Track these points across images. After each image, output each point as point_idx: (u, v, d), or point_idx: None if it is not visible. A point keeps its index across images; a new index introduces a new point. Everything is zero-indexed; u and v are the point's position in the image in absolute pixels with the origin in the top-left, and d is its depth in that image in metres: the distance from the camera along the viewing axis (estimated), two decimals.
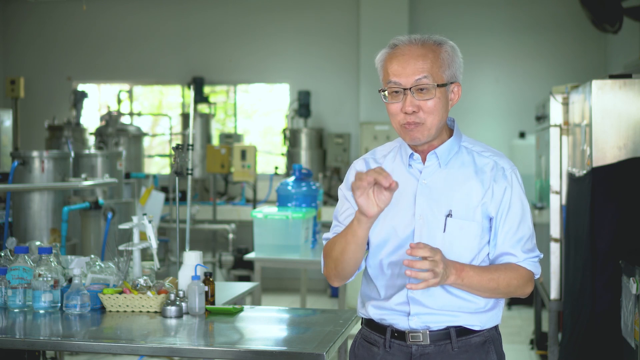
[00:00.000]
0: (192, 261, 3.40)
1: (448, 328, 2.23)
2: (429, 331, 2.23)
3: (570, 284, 4.66)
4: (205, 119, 9.47)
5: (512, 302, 7.94)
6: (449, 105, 2.25)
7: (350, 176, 2.35)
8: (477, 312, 2.24)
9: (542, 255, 2.28)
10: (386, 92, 2.22)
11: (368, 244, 2.31)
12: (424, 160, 2.28)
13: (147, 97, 10.84)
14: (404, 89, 2.19)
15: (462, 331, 2.24)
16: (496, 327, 2.31)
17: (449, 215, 2.20)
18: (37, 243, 3.88)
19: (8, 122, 8.29)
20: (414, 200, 2.24)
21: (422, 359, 2.24)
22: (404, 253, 2.22)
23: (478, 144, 2.31)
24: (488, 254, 2.26)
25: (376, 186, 2.03)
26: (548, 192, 5.15)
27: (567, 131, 5.04)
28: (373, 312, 2.30)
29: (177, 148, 3.54)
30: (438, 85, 2.19)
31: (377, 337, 2.30)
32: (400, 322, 2.25)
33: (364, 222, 2.10)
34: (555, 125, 5.08)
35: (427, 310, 2.22)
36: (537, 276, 2.27)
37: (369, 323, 2.34)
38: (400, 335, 2.26)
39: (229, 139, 9.29)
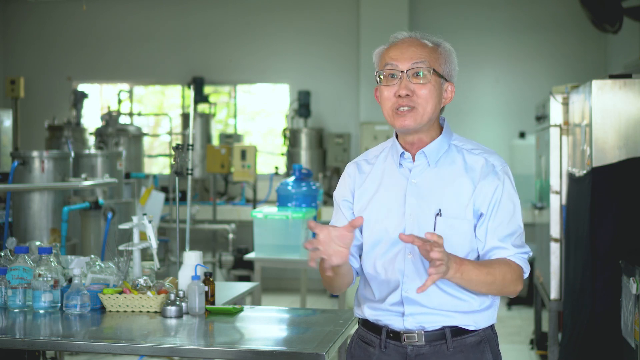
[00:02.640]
0: (192, 261, 3.40)
1: (443, 328, 2.23)
2: (424, 331, 2.23)
3: (570, 284, 4.66)
4: (205, 119, 9.48)
5: (512, 302, 7.94)
6: (442, 99, 2.26)
7: (342, 180, 2.38)
8: (472, 312, 2.24)
9: (531, 253, 2.28)
10: (382, 76, 2.24)
11: (362, 245, 2.33)
12: (414, 159, 2.28)
13: (150, 98, 10.84)
14: (400, 72, 2.20)
15: (457, 331, 2.23)
16: (492, 327, 2.31)
17: (439, 214, 2.20)
18: (37, 243, 3.88)
19: (8, 122, 8.28)
20: (404, 199, 2.24)
21: (417, 359, 2.24)
22: (396, 253, 2.23)
23: (469, 142, 2.32)
24: (477, 251, 2.25)
25: (336, 237, 2.07)
26: (548, 192, 5.15)
27: (567, 131, 5.04)
28: (368, 312, 2.30)
29: (177, 148, 3.54)
30: (434, 72, 2.20)
31: (373, 338, 2.30)
32: (395, 323, 2.25)
33: (342, 266, 2.18)
34: (555, 125, 5.08)
35: (422, 310, 2.22)
36: (525, 274, 2.25)
37: (365, 323, 2.35)
38: (395, 335, 2.26)
39: (229, 139, 9.29)
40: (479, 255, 2.25)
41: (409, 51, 2.21)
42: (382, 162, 2.33)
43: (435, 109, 2.24)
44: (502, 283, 2.19)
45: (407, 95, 2.20)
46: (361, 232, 2.33)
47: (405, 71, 2.20)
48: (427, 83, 2.20)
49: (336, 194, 2.39)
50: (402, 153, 2.28)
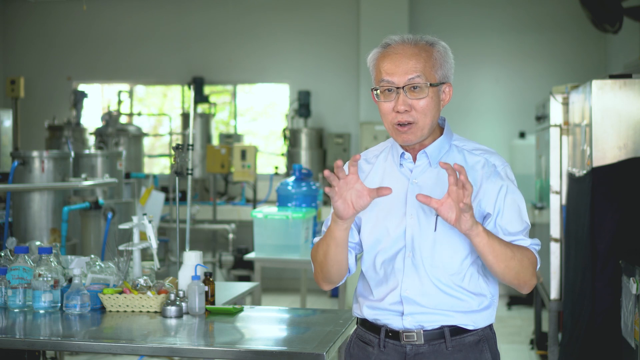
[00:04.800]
0: (192, 261, 3.40)
1: (442, 327, 2.23)
2: (423, 331, 2.23)
3: (570, 284, 4.66)
4: (205, 119, 9.48)
5: (512, 302, 7.95)
6: (440, 105, 2.25)
7: None
8: (471, 312, 2.24)
9: (540, 245, 2.28)
10: (378, 91, 2.23)
11: (362, 244, 2.33)
12: (414, 159, 2.28)
13: (150, 99, 10.84)
14: (397, 88, 2.19)
15: (456, 330, 2.24)
16: (490, 326, 2.31)
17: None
18: (37, 243, 3.88)
19: (8, 122, 8.29)
20: (405, 199, 2.24)
21: (416, 359, 2.24)
22: (395, 252, 2.23)
23: (469, 143, 2.32)
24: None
25: (355, 190, 2.07)
26: (548, 192, 5.15)
27: (567, 131, 5.05)
28: (367, 312, 2.30)
29: (177, 148, 3.54)
30: (431, 85, 2.20)
31: (371, 337, 2.30)
32: (394, 322, 2.25)
33: (340, 224, 2.15)
34: (555, 125, 5.09)
35: (421, 310, 2.22)
36: (538, 266, 2.25)
37: (363, 323, 2.34)
38: (394, 335, 2.26)
39: (229, 139, 9.29)
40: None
41: (403, 64, 2.19)
42: (383, 162, 2.33)
43: (434, 117, 2.23)
44: (521, 263, 2.16)
45: (406, 110, 2.19)
46: (359, 231, 2.32)
47: (402, 87, 2.19)
48: (425, 97, 2.19)
49: None
50: (403, 153, 2.29)
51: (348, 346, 2.40)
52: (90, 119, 10.21)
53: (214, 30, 9.95)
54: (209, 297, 3.32)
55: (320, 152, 9.35)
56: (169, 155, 9.70)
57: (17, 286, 3.32)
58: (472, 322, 2.24)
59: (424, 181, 2.25)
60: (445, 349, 2.23)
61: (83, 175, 5.90)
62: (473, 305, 2.24)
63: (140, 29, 10.17)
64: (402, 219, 2.23)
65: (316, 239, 2.37)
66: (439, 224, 2.20)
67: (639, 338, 3.49)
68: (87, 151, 7.68)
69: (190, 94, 4.07)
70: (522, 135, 8.86)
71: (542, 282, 5.46)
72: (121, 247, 3.58)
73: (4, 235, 5.53)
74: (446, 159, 2.26)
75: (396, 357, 2.25)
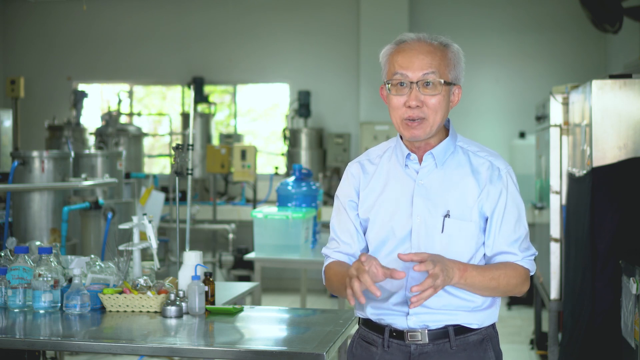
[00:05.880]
0: (192, 261, 3.40)
1: (446, 327, 2.23)
2: (428, 330, 2.23)
3: (570, 284, 4.66)
4: (205, 119, 9.48)
5: (512, 302, 7.94)
6: (449, 105, 2.25)
7: (345, 180, 2.36)
8: (475, 311, 2.25)
9: (537, 253, 2.30)
10: (390, 85, 2.22)
11: (368, 246, 2.32)
12: (420, 160, 2.28)
13: (150, 99, 10.83)
14: (410, 83, 2.19)
15: (460, 330, 2.24)
16: (493, 325, 2.32)
17: (447, 215, 2.21)
18: (37, 243, 3.88)
19: (8, 122, 8.29)
20: (411, 200, 2.24)
21: (420, 358, 2.24)
22: (402, 252, 2.22)
23: (473, 144, 2.32)
24: (484, 254, 2.26)
25: (371, 273, 2.06)
26: (548, 192, 5.15)
27: (567, 131, 5.05)
28: (371, 312, 2.30)
29: (177, 148, 3.54)
30: (444, 83, 2.20)
31: (375, 337, 2.30)
32: (399, 322, 2.25)
33: None
34: (555, 125, 5.09)
35: (426, 310, 2.22)
36: (532, 273, 2.28)
37: (366, 323, 2.34)
38: (398, 334, 2.26)
39: (229, 139, 9.29)
40: (484, 255, 2.26)
41: (419, 60, 2.19)
42: (387, 162, 2.33)
43: (444, 116, 2.24)
44: (506, 288, 2.22)
45: (417, 106, 2.19)
46: (364, 232, 2.32)
47: (415, 82, 2.19)
48: (437, 94, 2.20)
49: (340, 193, 2.36)
50: (408, 154, 2.28)
51: (350, 346, 2.40)
52: (90, 119, 10.20)
53: (214, 30, 9.95)
54: (209, 297, 3.32)
55: (320, 152, 9.35)
56: (169, 155, 9.69)
57: (17, 286, 3.32)
58: (477, 320, 2.25)
59: (430, 182, 2.25)
60: (450, 348, 2.23)
61: (83, 175, 5.90)
62: (477, 303, 2.25)
63: (140, 29, 10.17)
64: (408, 220, 2.23)
65: (327, 252, 2.36)
66: (446, 225, 2.20)
67: (639, 338, 3.49)
68: (87, 151, 7.68)
69: (190, 94, 4.07)
70: (522, 135, 8.86)
71: (542, 282, 5.46)
72: (121, 247, 3.58)
73: (4, 235, 5.53)
74: (451, 160, 2.27)
75: (400, 357, 2.25)
